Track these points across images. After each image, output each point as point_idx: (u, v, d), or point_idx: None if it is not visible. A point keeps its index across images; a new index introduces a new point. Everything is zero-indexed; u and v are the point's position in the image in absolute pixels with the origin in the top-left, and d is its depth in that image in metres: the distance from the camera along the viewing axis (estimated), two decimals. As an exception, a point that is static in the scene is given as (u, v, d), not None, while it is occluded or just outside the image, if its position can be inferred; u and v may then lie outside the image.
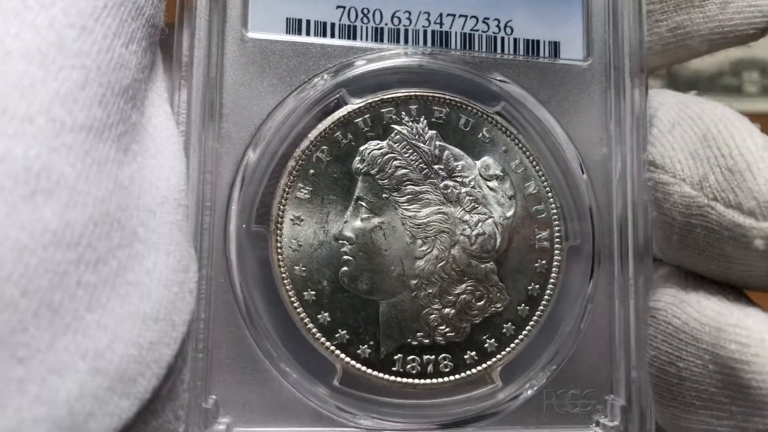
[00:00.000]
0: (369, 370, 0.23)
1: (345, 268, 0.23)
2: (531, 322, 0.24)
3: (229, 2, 0.24)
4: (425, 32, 0.25)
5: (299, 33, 0.24)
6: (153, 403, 0.20)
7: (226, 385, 0.22)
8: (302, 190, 0.23)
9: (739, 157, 0.23)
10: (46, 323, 0.17)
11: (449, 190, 0.24)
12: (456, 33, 0.25)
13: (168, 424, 0.21)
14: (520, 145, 0.25)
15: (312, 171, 0.23)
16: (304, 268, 0.23)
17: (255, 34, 0.24)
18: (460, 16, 0.25)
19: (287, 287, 0.23)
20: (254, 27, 0.24)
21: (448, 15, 0.25)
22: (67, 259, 0.17)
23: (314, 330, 0.23)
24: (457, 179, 0.24)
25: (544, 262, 0.25)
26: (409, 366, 0.23)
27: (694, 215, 0.23)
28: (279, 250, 0.23)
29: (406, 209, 0.24)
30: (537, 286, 0.24)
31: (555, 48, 0.26)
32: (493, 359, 0.24)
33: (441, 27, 0.25)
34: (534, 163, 0.25)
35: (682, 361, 0.23)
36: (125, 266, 0.19)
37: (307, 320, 0.23)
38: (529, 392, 0.24)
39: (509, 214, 0.24)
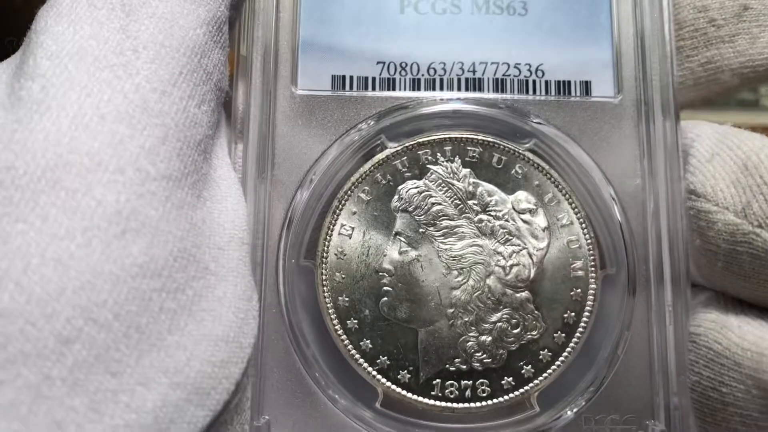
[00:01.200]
0: (409, 394, 0.25)
1: (385, 298, 0.25)
2: (568, 349, 0.25)
3: (280, 63, 0.27)
4: (459, 80, 0.27)
5: (343, 88, 0.27)
6: (223, 415, 0.22)
7: (277, 406, 0.25)
8: (345, 227, 0.26)
9: None
10: (134, 342, 0.20)
11: (483, 224, 0.26)
12: (488, 79, 0.27)
13: None
14: (553, 179, 0.26)
15: (354, 210, 0.26)
16: (347, 299, 0.25)
17: (303, 91, 0.27)
18: (492, 63, 0.28)
19: (332, 316, 0.25)
20: (303, 84, 0.27)
21: (481, 63, 0.28)
22: (151, 288, 0.21)
23: (357, 356, 0.25)
24: (491, 213, 0.26)
25: (579, 290, 0.26)
26: (447, 390, 0.25)
27: (739, 242, 0.24)
28: (324, 282, 0.25)
29: (442, 242, 0.26)
30: (573, 313, 0.25)
31: (586, 87, 0.27)
32: (530, 384, 0.25)
33: (474, 74, 0.27)
34: (567, 196, 0.26)
35: (725, 386, 0.24)
36: (200, 295, 0.22)
37: (350, 347, 0.25)
38: (568, 417, 0.25)
39: (543, 245, 0.26)
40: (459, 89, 0.27)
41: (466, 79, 0.27)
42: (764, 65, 0.26)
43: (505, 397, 0.25)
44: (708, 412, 0.24)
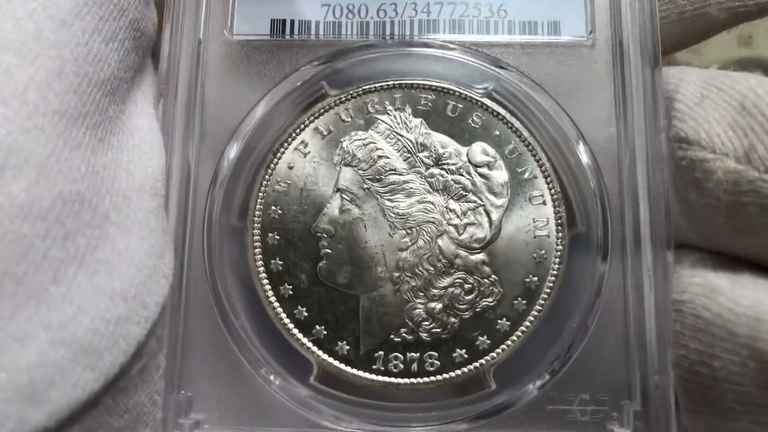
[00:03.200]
0: (348, 368, 0.23)
1: (324, 262, 0.23)
2: (529, 318, 0.23)
3: (212, 7, 0.25)
4: (412, 22, 0.25)
5: (283, 34, 0.25)
6: (122, 380, 0.20)
7: (200, 381, 0.23)
8: (281, 183, 0.23)
9: None
10: (8, 293, 0.18)
11: (435, 179, 0.23)
12: (444, 20, 0.25)
13: (142, 406, 0.21)
14: (514, 129, 0.24)
15: (291, 164, 0.23)
16: (281, 262, 0.23)
17: (239, 36, 0.25)
18: (449, 3, 0.25)
19: (263, 281, 0.23)
20: (239, 29, 0.25)
21: (436, 3, 0.25)
22: (33, 232, 0.18)
23: (290, 325, 0.23)
24: (444, 167, 0.23)
25: (543, 252, 0.23)
26: (391, 364, 0.22)
27: (745, 192, 0.21)
28: (256, 244, 0.23)
29: (388, 199, 0.23)
30: (535, 278, 0.23)
31: (554, 26, 0.25)
32: (486, 358, 0.22)
33: (428, 15, 0.25)
34: (530, 147, 0.24)
35: (717, 359, 0.21)
36: (95, 245, 0.20)
37: (283, 315, 0.23)
38: (529, 396, 0.22)
39: (501, 201, 0.23)
40: (411, 32, 0.25)
41: (419, 21, 0.25)
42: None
43: (457, 371, 0.22)
44: (697, 390, 0.21)
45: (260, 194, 0.23)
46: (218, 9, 0.25)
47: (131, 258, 0.20)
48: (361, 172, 0.23)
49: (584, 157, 0.24)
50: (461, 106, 0.24)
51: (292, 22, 0.25)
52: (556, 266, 0.23)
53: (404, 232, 0.23)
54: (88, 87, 0.20)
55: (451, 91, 0.24)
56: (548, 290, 0.23)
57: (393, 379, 0.22)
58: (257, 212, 0.23)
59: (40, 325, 0.18)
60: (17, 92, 0.19)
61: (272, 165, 0.24)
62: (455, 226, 0.23)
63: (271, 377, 0.23)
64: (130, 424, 0.20)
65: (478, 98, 0.24)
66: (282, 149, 0.24)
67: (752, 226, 0.21)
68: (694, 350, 0.21)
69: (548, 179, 0.23)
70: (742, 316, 0.20)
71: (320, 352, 0.23)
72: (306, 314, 0.23)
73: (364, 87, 0.24)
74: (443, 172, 0.23)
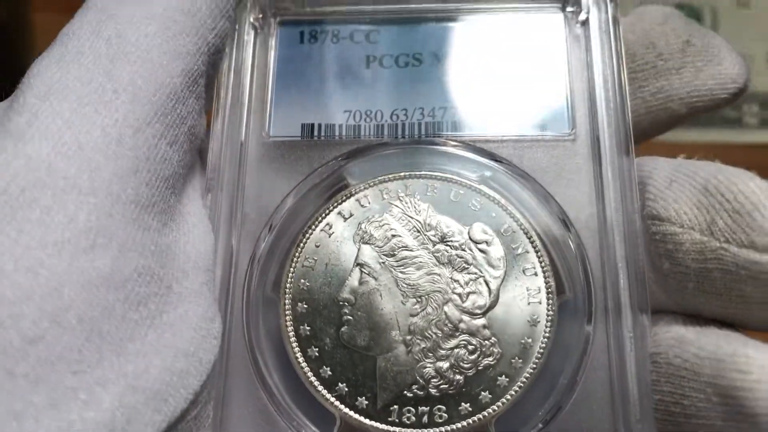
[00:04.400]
0: (366, 420, 0.26)
1: (345, 327, 0.27)
2: (525, 374, 0.26)
3: (253, 113, 0.30)
4: (420, 124, 0.29)
5: (312, 135, 0.29)
6: (180, 424, 0.24)
7: (239, 430, 0.25)
8: (308, 260, 0.27)
9: (745, 200, 0.25)
10: (95, 346, 0.22)
11: (440, 254, 0.27)
12: (447, 122, 0.29)
13: None
14: (508, 211, 0.28)
15: (317, 243, 0.27)
16: (309, 328, 0.26)
17: (275, 138, 0.29)
18: (452, 107, 0.30)
19: (293, 345, 0.26)
20: (275, 132, 0.30)
21: (440, 108, 0.30)
22: (115, 298, 0.23)
23: (316, 383, 0.26)
24: (449, 243, 0.27)
25: (536, 316, 0.26)
26: (404, 417, 0.25)
27: (709, 259, 0.25)
28: (287, 312, 0.27)
29: (401, 272, 0.27)
30: (530, 339, 0.26)
31: (541, 124, 0.29)
32: (488, 410, 0.25)
33: (434, 118, 0.29)
34: (522, 226, 0.27)
35: (686, 398, 0.24)
36: (162, 310, 0.24)
37: (310, 374, 0.26)
38: (527, 444, 0.25)
39: (498, 273, 0.27)
40: (419, 132, 0.29)
41: (426, 123, 0.29)
42: (708, 95, 0.28)
43: (463, 423, 0.25)
44: (672, 429, 0.24)
45: (291, 270, 0.27)
46: (257, 115, 0.30)
47: (189, 322, 0.24)
48: (377, 249, 0.27)
49: (569, 234, 0.27)
50: (462, 192, 0.28)
51: (320, 125, 0.30)
52: (548, 329, 0.26)
53: (415, 300, 0.27)
54: (156, 181, 0.25)
55: (453, 180, 0.28)
56: (541, 350, 0.26)
57: (406, 430, 0.25)
58: (288, 285, 0.27)
59: (120, 374, 0.22)
60: (104, 185, 0.23)
61: (301, 244, 0.28)
62: (459, 295, 0.27)
63: (300, 429, 0.26)
64: None
65: (476, 185, 0.28)
66: (310, 231, 0.28)
67: (717, 289, 0.25)
68: (668, 393, 0.24)
69: (539, 254, 0.27)
70: (705, 359, 0.24)
71: (342, 407, 0.26)
72: (330, 373, 0.26)
73: (380, 177, 0.28)
74: (448, 248, 0.27)
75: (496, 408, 0.25)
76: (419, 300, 0.27)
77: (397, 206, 0.28)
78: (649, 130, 0.30)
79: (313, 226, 0.28)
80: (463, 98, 0.30)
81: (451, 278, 0.27)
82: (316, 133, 0.30)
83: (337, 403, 0.26)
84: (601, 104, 0.29)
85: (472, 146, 0.29)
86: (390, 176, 0.29)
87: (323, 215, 0.28)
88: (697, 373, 0.24)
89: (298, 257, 0.28)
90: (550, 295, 0.27)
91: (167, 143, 0.26)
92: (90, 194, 0.23)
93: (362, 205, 0.28)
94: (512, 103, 0.30)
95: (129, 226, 0.24)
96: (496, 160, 0.29)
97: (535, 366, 0.26)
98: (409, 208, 0.28)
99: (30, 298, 0.21)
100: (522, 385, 0.26)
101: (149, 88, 0.26)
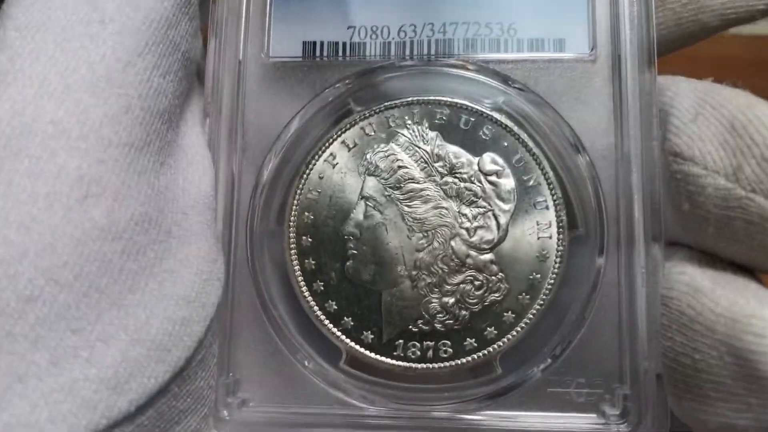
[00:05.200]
0: (372, 354, 0.26)
1: (350, 261, 0.26)
2: (532, 311, 0.25)
3: (251, 31, 0.28)
4: (429, 42, 0.27)
5: (314, 55, 0.28)
6: (186, 371, 0.24)
7: (245, 365, 0.26)
8: (312, 191, 0.27)
9: None
10: (94, 302, 0.22)
11: (448, 186, 0.26)
12: (459, 39, 0.27)
13: (201, 390, 0.25)
14: (521, 140, 0.26)
15: (321, 174, 0.27)
16: (314, 262, 0.26)
17: (274, 58, 0.28)
18: (463, 23, 0.28)
19: (299, 279, 0.26)
20: (274, 51, 0.28)
21: (451, 24, 0.28)
22: (112, 250, 0.22)
23: (322, 317, 0.26)
24: (457, 175, 0.26)
25: (545, 252, 0.26)
26: (409, 351, 0.26)
27: (732, 207, 0.23)
28: (292, 246, 0.26)
29: (407, 205, 0.26)
30: (538, 275, 0.25)
31: (560, 44, 0.27)
32: (493, 346, 0.25)
33: (444, 35, 0.27)
34: (535, 157, 0.26)
35: (698, 352, 0.23)
36: (161, 257, 0.24)
37: (316, 308, 0.26)
38: (531, 379, 0.25)
39: (508, 207, 0.26)
40: (429, 51, 0.27)
41: (437, 41, 0.27)
42: (743, 6, 0.26)
43: (467, 358, 0.25)
44: (680, 378, 0.24)
45: (295, 202, 0.27)
46: (255, 32, 0.28)
47: (191, 266, 0.24)
48: (383, 181, 0.26)
49: (584, 166, 0.26)
50: (473, 119, 0.27)
51: (322, 43, 0.28)
52: (557, 265, 0.26)
53: (421, 234, 0.26)
54: (151, 119, 0.24)
55: (464, 106, 0.27)
56: (549, 286, 0.25)
57: (411, 364, 0.26)
58: (292, 218, 0.27)
59: (121, 328, 0.22)
60: (94, 129, 0.22)
61: (305, 175, 0.27)
62: (467, 229, 0.26)
63: (306, 362, 0.26)
64: (192, 406, 0.24)
65: (488, 112, 0.27)
66: (313, 161, 0.27)
67: (738, 237, 0.24)
68: (679, 343, 0.24)
69: (551, 186, 0.26)
70: (720, 317, 0.23)
71: (348, 341, 0.26)
72: (336, 307, 0.26)
73: (386, 104, 0.27)
74: (456, 180, 0.26)
75: (502, 344, 0.25)
76: (425, 234, 0.26)
77: (403, 135, 0.27)
78: (676, 43, 0.28)
79: (317, 156, 0.27)
80: (476, 13, 0.28)
81: (458, 212, 0.26)
82: (318, 52, 0.28)
83: (342, 337, 0.26)
84: (625, 22, 0.26)
85: (484, 68, 0.27)
86: (396, 102, 0.27)
87: (327, 144, 0.27)
88: (711, 329, 0.23)
89: (302, 189, 0.27)
90: (561, 230, 0.26)
91: (160, 74, 0.24)
92: (80, 139, 0.22)
93: (367, 134, 0.27)
94: (528, 20, 0.27)
95: (123, 171, 0.23)
96: (510, 85, 0.27)
97: (542, 302, 0.25)
98: (416, 137, 0.27)
99: (24, 255, 0.21)
100: (528, 321, 0.25)
101: (138, 16, 0.24)
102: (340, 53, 0.28)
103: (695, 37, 0.27)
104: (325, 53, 0.28)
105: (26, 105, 0.22)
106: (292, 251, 0.27)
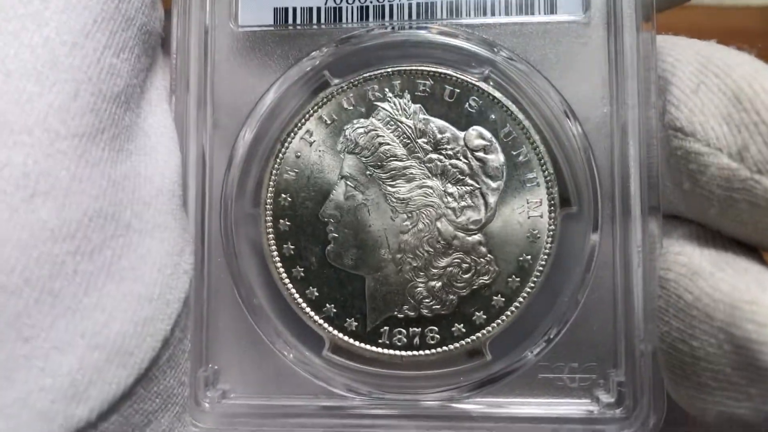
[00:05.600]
0: (356, 342, 0.25)
1: (331, 245, 0.25)
2: (522, 294, 0.24)
3: (217, -1, 0.26)
4: (410, 5, 0.25)
5: (286, 22, 0.26)
6: (152, 371, 0.23)
7: (224, 355, 0.25)
8: (289, 171, 0.25)
9: None
10: (47, 307, 0.20)
11: (433, 164, 0.25)
12: (441, 2, 0.25)
13: (171, 389, 0.24)
14: (510, 112, 0.25)
15: (298, 152, 0.25)
16: (293, 246, 0.25)
17: (244, 27, 0.26)
18: (447, -16, 0.25)
19: (277, 264, 0.25)
20: (244, 20, 0.26)
21: (434, -15, 0.25)
22: (64, 251, 0.21)
23: (303, 304, 0.25)
24: (442, 152, 0.25)
25: (536, 231, 0.24)
26: (395, 338, 0.25)
27: (736, 189, 0.22)
28: (269, 230, 0.25)
29: (390, 185, 0.25)
30: (529, 257, 0.24)
31: (551, 5, 0.25)
32: (482, 332, 0.24)
33: (426, -1, 0.25)
34: (525, 130, 0.25)
35: (696, 339, 0.22)
36: (119, 254, 0.22)
37: (296, 295, 0.25)
38: (522, 365, 0.24)
39: (497, 184, 0.24)
40: (410, 16, 0.25)
41: (417, 4, 0.25)
42: None
43: (456, 344, 0.24)
44: (677, 364, 0.23)
45: (271, 183, 0.25)
46: (224, 0, 0.26)
47: (153, 261, 0.22)
48: (363, 159, 0.25)
49: (578, 138, 0.25)
50: (458, 90, 0.25)
51: (294, 9, 0.26)
52: (549, 245, 0.24)
53: (405, 216, 0.25)
54: (103, 103, 0.22)
55: (448, 76, 0.25)
56: (541, 268, 0.24)
57: (397, 352, 0.25)
58: (269, 200, 0.25)
59: (77, 334, 0.21)
60: (39, 120, 0.20)
61: (280, 154, 0.25)
62: (453, 210, 0.24)
63: (287, 351, 0.25)
64: (161, 406, 0.23)
65: (474, 83, 0.25)
66: (289, 139, 0.25)
67: (742, 219, 0.22)
68: (676, 328, 0.23)
69: (542, 162, 0.24)
70: (719, 303, 0.21)
71: (331, 328, 0.25)
72: (317, 294, 0.25)
73: (365, 75, 0.25)
74: (441, 157, 0.25)
75: (491, 329, 0.24)
76: (410, 216, 0.25)
77: (384, 109, 0.25)
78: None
79: (293, 134, 0.25)
80: (461, -27, 0.26)
81: (444, 191, 0.25)
82: (291, 19, 0.26)
83: (325, 324, 0.25)
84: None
85: (469, 35, 0.25)
86: (376, 72, 0.25)
87: (303, 121, 0.25)
88: (709, 315, 0.22)
89: (278, 169, 0.25)
90: (552, 208, 0.24)
91: (113, 54, 0.22)
92: (24, 132, 0.20)
93: (345, 108, 0.25)
94: (518, -22, 0.25)
95: (73, 164, 0.21)
96: (498, 52, 0.25)
97: (533, 285, 0.24)
98: (397, 110, 0.25)
99: None
100: (519, 305, 0.24)
101: None
102: (315, 20, 0.26)
103: None
104: (298, 20, 0.26)
105: None
106: (270, 236, 0.25)
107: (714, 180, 0.22)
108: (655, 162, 0.24)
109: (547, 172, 0.24)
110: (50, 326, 0.20)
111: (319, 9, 0.26)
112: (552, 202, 0.24)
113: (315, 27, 0.26)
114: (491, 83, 0.25)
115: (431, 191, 0.25)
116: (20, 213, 0.20)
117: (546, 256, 0.24)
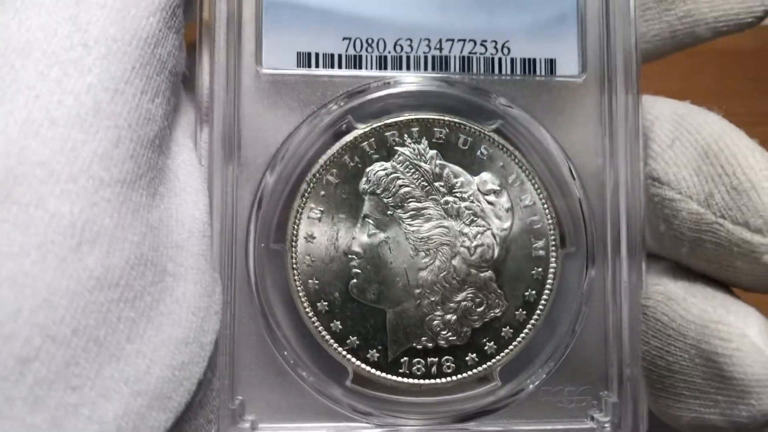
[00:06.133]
0: (378, 372, 0.26)
1: (354, 281, 0.26)
2: (528, 326, 0.27)
3: (243, 41, 0.27)
4: (426, 58, 0.27)
5: (309, 66, 0.27)
6: (186, 413, 0.24)
7: (251, 387, 0.26)
8: (314, 210, 0.26)
9: (743, 176, 0.25)
10: (94, 356, 0.21)
11: (449, 205, 0.27)
12: (455, 57, 0.28)
13: (201, 428, 0.24)
14: (517, 160, 0.27)
15: (323, 192, 0.26)
16: (317, 281, 0.26)
17: (268, 70, 0.27)
18: (459, 40, 0.28)
19: (302, 299, 0.26)
20: (268, 63, 0.27)
21: (448, 40, 0.28)
22: (109, 299, 0.21)
23: (327, 337, 0.26)
24: (457, 195, 0.27)
25: (540, 269, 0.27)
26: (414, 368, 0.26)
27: (704, 231, 0.26)
28: (294, 266, 0.26)
29: (409, 224, 0.26)
30: (534, 292, 0.27)
31: (551, 65, 0.28)
32: (493, 360, 0.27)
33: (440, 52, 0.28)
34: (530, 176, 0.27)
35: (671, 355, 0.26)
36: (158, 299, 0.23)
37: (320, 328, 0.26)
38: (527, 389, 0.27)
39: (506, 225, 0.27)
40: (425, 68, 0.28)
41: (433, 57, 0.28)
42: (735, 19, 0.28)
43: (469, 372, 0.27)
44: (656, 378, 0.26)
45: (296, 221, 0.26)
46: (248, 43, 0.27)
47: (188, 304, 0.23)
48: (384, 200, 0.27)
49: (575, 186, 0.28)
50: (471, 139, 0.27)
51: (317, 55, 0.27)
52: (550, 282, 0.27)
53: (424, 253, 0.27)
54: (141, 149, 0.22)
55: (462, 126, 0.27)
56: (544, 302, 0.27)
57: (416, 381, 0.27)
58: (294, 237, 0.26)
59: (122, 381, 0.21)
60: (84, 168, 0.21)
61: (306, 194, 0.26)
62: (467, 248, 0.27)
63: (312, 381, 0.26)
64: None
65: (486, 132, 0.27)
66: (314, 179, 0.26)
67: (709, 257, 0.26)
68: (654, 347, 0.27)
69: (545, 206, 0.27)
70: (691, 323, 0.26)
71: (354, 360, 0.26)
72: (341, 327, 0.26)
73: (386, 122, 0.27)
74: (456, 200, 0.27)
75: (500, 358, 0.27)
76: (428, 253, 0.27)
77: (403, 153, 0.27)
78: (668, 52, 0.30)
79: (318, 174, 0.27)
80: (471, 30, 0.28)
81: (459, 231, 0.27)
82: (313, 64, 0.27)
83: (348, 356, 0.26)
84: (614, 45, 0.28)
85: (481, 89, 0.28)
86: (396, 120, 0.27)
87: (327, 162, 0.27)
88: (682, 334, 0.26)
89: (303, 207, 0.26)
90: (554, 248, 0.27)
91: (149, 99, 0.23)
92: (70, 181, 0.20)
93: (367, 152, 0.27)
94: (521, 39, 0.28)
95: (116, 212, 0.21)
96: (505, 105, 0.27)
97: (537, 317, 0.27)
98: (416, 155, 0.27)
99: (19, 314, 0.19)
100: (525, 335, 0.27)
101: (125, 37, 0.22)
102: (336, 66, 0.27)
103: (686, 46, 0.30)
104: (320, 65, 0.27)
105: (11, 146, 0.20)
106: (295, 271, 0.26)
107: (685, 223, 0.26)
108: (640, 211, 0.27)
109: (549, 215, 0.27)
110: (96, 374, 0.21)
111: (340, 56, 0.27)
112: (553, 242, 0.27)
113: (336, 73, 0.27)
114: (499, 133, 0.27)
115: (448, 231, 0.27)
116: (68, 262, 0.20)
117: (548, 292, 0.27)
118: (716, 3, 0.28)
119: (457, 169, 0.27)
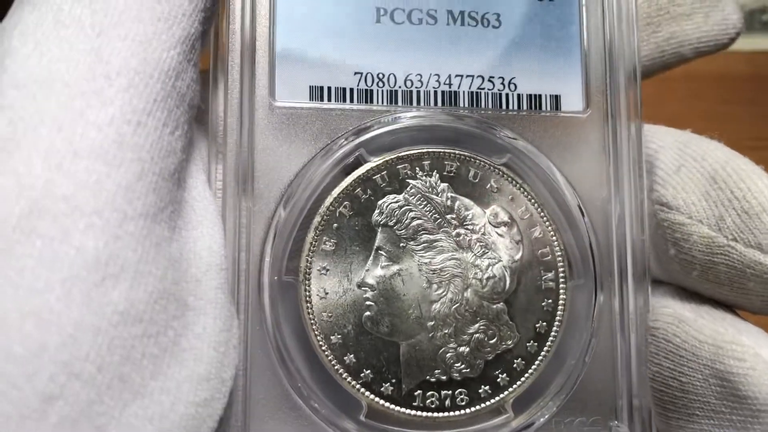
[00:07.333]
0: (392, 406, 0.26)
1: (367, 313, 0.26)
2: (539, 358, 0.27)
3: (257, 74, 0.27)
4: (435, 93, 0.28)
5: (321, 99, 0.27)
6: None
7: (264, 421, 0.26)
8: (327, 243, 0.26)
9: (754, 200, 0.26)
10: (118, 393, 0.20)
11: (461, 238, 0.27)
12: (464, 92, 0.28)
13: None
14: (526, 193, 0.27)
15: (336, 225, 0.26)
16: (330, 315, 0.26)
17: (281, 103, 0.27)
18: (468, 76, 0.28)
19: (316, 332, 0.26)
20: (281, 96, 0.27)
21: (457, 76, 0.28)
22: (133, 334, 0.21)
23: (341, 370, 0.26)
24: (468, 227, 0.27)
25: (550, 301, 0.27)
26: (428, 401, 0.26)
27: (716, 254, 0.26)
28: (307, 299, 0.26)
29: (422, 256, 0.27)
30: (544, 323, 0.27)
31: (556, 101, 0.29)
32: (506, 392, 0.27)
33: (450, 87, 0.28)
34: (539, 209, 0.28)
35: (684, 376, 0.26)
36: (180, 334, 0.22)
37: (334, 361, 0.26)
38: (540, 421, 0.27)
39: (517, 257, 0.27)
40: (435, 102, 0.28)
41: (443, 92, 0.28)
42: (713, 41, 0.30)
43: (483, 404, 0.27)
44: (668, 399, 0.27)
45: (309, 254, 0.26)
46: (263, 76, 0.27)
47: (209, 339, 0.23)
48: (397, 232, 0.27)
49: (582, 218, 0.28)
50: (481, 172, 0.28)
51: (329, 89, 0.27)
52: (560, 313, 0.27)
53: (436, 285, 0.27)
54: (163, 182, 0.22)
55: (472, 159, 0.27)
56: (555, 334, 0.27)
57: (431, 414, 0.26)
58: (307, 270, 0.26)
59: (146, 419, 0.21)
60: (108, 201, 0.20)
61: (319, 227, 0.26)
62: (479, 280, 0.27)
63: (326, 414, 0.26)
64: None
65: (495, 166, 0.28)
66: (327, 212, 0.26)
67: (721, 280, 0.27)
68: (666, 368, 0.27)
69: (553, 238, 0.28)
70: (704, 343, 0.26)
71: (368, 393, 0.26)
72: (354, 360, 0.26)
73: (399, 155, 0.27)
74: (468, 232, 0.27)
75: (513, 389, 0.27)
76: (441, 285, 0.27)
77: (415, 186, 0.27)
78: (656, 71, 0.31)
79: (330, 207, 0.27)
80: (480, 66, 0.28)
81: (471, 263, 0.27)
82: (325, 98, 0.27)
83: (362, 390, 0.26)
84: (617, 80, 0.28)
85: (490, 123, 0.28)
86: (407, 153, 0.27)
87: (340, 196, 0.27)
88: (696, 354, 0.26)
89: (316, 240, 0.26)
90: (563, 280, 0.27)
91: (170, 132, 0.23)
92: (94, 215, 0.20)
93: (380, 184, 0.27)
94: (528, 75, 0.29)
95: (140, 245, 0.21)
96: (513, 139, 0.28)
97: (548, 349, 0.27)
98: (427, 188, 0.27)
99: (43, 350, 0.19)
100: (536, 367, 0.27)
101: (146, 69, 0.22)
102: (348, 100, 0.28)
103: (672, 65, 0.31)
104: (332, 99, 0.27)
105: (34, 179, 0.20)
106: (308, 304, 0.26)
107: (696, 246, 0.27)
108: (646, 242, 0.28)
109: (558, 247, 0.28)
110: (121, 413, 0.20)
111: (351, 90, 0.28)
112: (563, 274, 0.28)
113: (348, 107, 0.27)
114: (508, 166, 0.28)
115: (460, 263, 0.27)
116: (93, 297, 0.20)
117: (558, 323, 0.27)
118: (697, 24, 0.30)
119: (467, 201, 0.27)
